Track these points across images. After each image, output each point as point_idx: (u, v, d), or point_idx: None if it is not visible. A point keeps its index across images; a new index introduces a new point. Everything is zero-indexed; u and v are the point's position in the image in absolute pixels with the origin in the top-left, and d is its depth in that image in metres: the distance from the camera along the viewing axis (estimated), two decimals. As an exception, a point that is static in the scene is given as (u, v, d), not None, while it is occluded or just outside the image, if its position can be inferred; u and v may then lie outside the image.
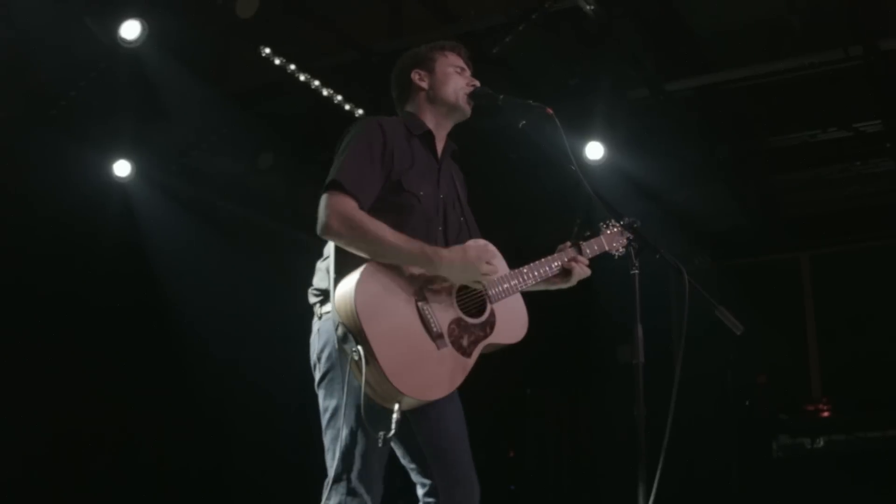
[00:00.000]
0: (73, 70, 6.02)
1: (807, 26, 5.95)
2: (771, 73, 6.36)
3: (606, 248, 3.29)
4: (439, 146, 3.13)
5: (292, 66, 6.07)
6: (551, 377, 8.85)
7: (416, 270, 2.81)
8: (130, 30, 5.24)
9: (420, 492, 2.91)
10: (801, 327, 8.62)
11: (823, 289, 8.65)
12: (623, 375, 3.13)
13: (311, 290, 2.95)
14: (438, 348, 2.77)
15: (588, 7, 5.48)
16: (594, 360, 8.60)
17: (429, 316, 2.78)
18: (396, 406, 2.65)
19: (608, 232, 3.31)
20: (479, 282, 2.88)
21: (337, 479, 2.76)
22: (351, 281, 2.69)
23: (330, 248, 2.86)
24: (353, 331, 2.63)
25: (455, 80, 3.13)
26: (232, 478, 7.79)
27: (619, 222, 3.29)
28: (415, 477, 2.93)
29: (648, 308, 2.96)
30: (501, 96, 3.11)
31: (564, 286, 3.18)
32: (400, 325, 2.72)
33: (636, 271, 2.98)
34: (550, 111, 3.04)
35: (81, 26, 5.31)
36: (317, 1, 5.93)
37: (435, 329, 2.78)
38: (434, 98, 3.12)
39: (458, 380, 2.81)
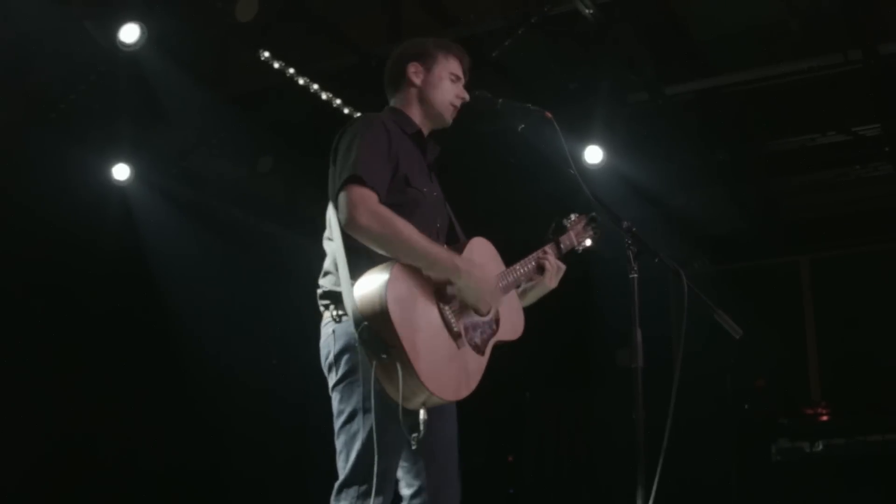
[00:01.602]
0: (72, 73, 6.02)
1: (806, 30, 5.94)
2: (770, 76, 6.36)
3: (574, 244, 3.35)
4: (425, 145, 3.10)
5: (291, 70, 6.07)
6: (550, 381, 8.85)
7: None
8: (129, 33, 5.24)
9: (406, 492, 2.88)
10: (801, 331, 8.61)
11: (823, 292, 8.64)
12: (622, 379, 3.12)
13: (320, 292, 2.84)
14: (459, 348, 2.74)
15: (587, 11, 5.49)
16: (593, 364, 8.58)
17: (448, 315, 2.74)
18: (423, 407, 2.60)
19: (573, 227, 3.38)
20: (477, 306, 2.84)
21: (349, 483, 2.67)
22: (377, 281, 2.60)
23: (334, 247, 2.78)
24: (382, 332, 2.53)
25: (447, 87, 3.08)
26: (231, 480, 7.77)
27: (588, 223, 3.42)
28: (402, 476, 2.90)
29: (647, 312, 2.95)
30: (500, 100, 3.11)
31: (550, 286, 3.16)
32: (427, 326, 2.66)
33: (635, 275, 2.96)
34: (549, 115, 3.05)
35: (81, 30, 5.31)
36: (316, 4, 5.94)
37: (455, 329, 2.75)
38: (423, 98, 3.06)
39: (477, 379, 2.78)
